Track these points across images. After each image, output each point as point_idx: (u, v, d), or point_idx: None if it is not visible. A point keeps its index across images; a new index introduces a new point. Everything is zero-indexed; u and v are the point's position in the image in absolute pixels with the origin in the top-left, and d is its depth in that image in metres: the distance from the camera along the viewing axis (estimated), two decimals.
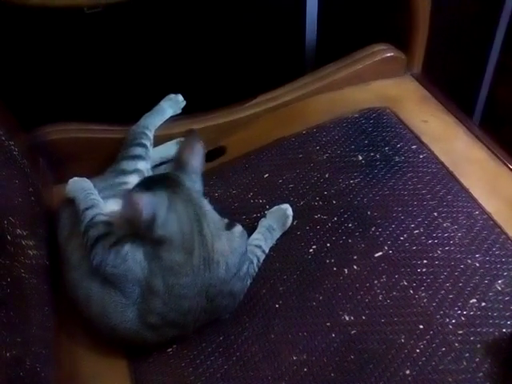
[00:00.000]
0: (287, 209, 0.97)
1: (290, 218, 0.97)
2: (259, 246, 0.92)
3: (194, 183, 0.85)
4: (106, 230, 0.85)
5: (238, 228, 0.87)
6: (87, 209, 0.89)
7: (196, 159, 0.86)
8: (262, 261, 0.92)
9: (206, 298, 0.81)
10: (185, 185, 0.83)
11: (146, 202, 0.77)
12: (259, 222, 0.96)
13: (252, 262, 0.89)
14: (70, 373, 0.83)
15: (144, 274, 0.80)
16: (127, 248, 0.81)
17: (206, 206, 0.84)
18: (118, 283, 0.81)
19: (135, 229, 0.80)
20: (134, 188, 0.85)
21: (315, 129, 1.12)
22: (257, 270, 0.90)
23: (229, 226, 0.86)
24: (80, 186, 0.94)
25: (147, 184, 0.84)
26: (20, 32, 1.09)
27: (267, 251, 0.93)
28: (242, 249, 0.86)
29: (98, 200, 0.92)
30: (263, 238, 0.93)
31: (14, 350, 0.71)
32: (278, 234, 0.96)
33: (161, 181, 0.84)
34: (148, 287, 0.80)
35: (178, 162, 0.86)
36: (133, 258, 0.80)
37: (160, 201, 0.79)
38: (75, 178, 0.96)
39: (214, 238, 0.82)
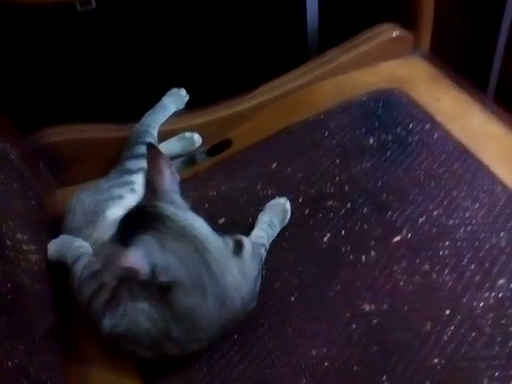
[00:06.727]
0: (286, 203, 0.92)
1: (289, 213, 0.92)
2: (263, 244, 0.86)
3: (177, 205, 0.74)
4: (97, 286, 0.77)
5: (247, 249, 0.79)
6: (74, 262, 0.83)
7: (165, 177, 0.75)
8: (264, 258, 0.85)
9: (223, 329, 0.76)
10: (168, 216, 0.72)
11: (138, 258, 0.67)
12: (259, 217, 0.90)
13: None
14: (78, 380, 0.80)
15: (152, 321, 0.73)
16: (125, 301, 0.74)
17: (203, 230, 0.74)
18: (126, 338, 0.75)
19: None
20: (112, 242, 0.72)
21: (322, 115, 1.08)
22: (261, 268, 0.84)
23: (237, 249, 0.78)
24: (60, 243, 0.88)
25: (126, 232, 0.72)
26: (16, 35, 1.07)
27: (268, 247, 0.88)
28: (256, 270, 0.79)
29: (82, 245, 0.85)
30: (266, 236, 0.88)
31: (16, 358, 0.67)
32: (278, 230, 0.90)
33: (140, 223, 0.72)
34: (161, 333, 0.73)
35: (149, 187, 0.75)
36: (134, 309, 0.73)
37: (151, 248, 0.70)
38: (52, 241, 0.89)
39: (224, 272, 0.73)
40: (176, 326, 0.73)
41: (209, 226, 0.75)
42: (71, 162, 1.11)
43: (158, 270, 0.69)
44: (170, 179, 0.76)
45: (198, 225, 0.74)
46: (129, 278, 0.70)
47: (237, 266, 0.76)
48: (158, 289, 0.71)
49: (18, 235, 0.83)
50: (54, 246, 0.89)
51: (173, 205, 0.74)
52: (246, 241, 0.81)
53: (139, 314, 0.73)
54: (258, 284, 0.81)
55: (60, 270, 0.86)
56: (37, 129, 1.09)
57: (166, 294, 0.71)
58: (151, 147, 0.78)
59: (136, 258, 0.67)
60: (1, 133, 0.91)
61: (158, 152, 0.77)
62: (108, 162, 1.07)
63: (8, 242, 0.79)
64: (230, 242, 0.79)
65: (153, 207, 0.73)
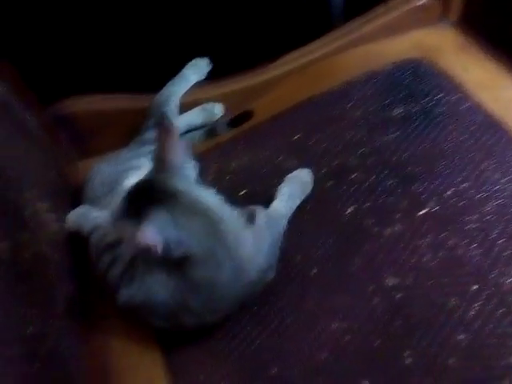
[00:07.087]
0: (306, 174, 0.90)
1: (310, 184, 0.89)
2: (283, 216, 0.84)
3: (188, 179, 0.74)
4: (112, 257, 0.77)
5: (261, 217, 0.78)
6: (91, 233, 0.82)
7: (177, 150, 0.73)
8: (284, 230, 0.83)
9: (240, 300, 0.75)
10: (180, 190, 0.71)
11: (152, 235, 0.66)
12: (279, 189, 0.87)
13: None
14: (99, 350, 0.80)
15: (168, 292, 0.72)
16: (140, 273, 0.73)
17: (215, 202, 0.73)
18: (142, 308, 0.74)
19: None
20: (124, 217, 0.71)
21: (347, 85, 1.05)
22: (281, 240, 0.82)
23: (249, 219, 0.76)
24: (78, 214, 0.88)
25: (137, 206, 0.70)
26: (37, 7, 1.05)
27: (288, 219, 0.85)
28: (269, 239, 0.77)
29: (99, 216, 0.84)
30: (286, 207, 0.85)
31: (34, 326, 0.67)
32: (298, 202, 0.87)
33: (152, 197, 0.70)
34: (178, 304, 0.72)
35: (159, 161, 0.74)
36: (150, 280, 0.72)
37: (164, 223, 0.68)
38: (71, 212, 0.89)
39: (238, 243, 0.72)
40: (192, 296, 0.72)
41: (220, 197, 0.74)
42: (93, 132, 1.10)
43: (170, 245, 0.68)
44: (181, 152, 0.74)
45: (210, 198, 0.73)
46: (144, 254, 0.68)
47: (250, 235, 0.75)
48: (172, 262, 0.70)
49: (39, 204, 0.83)
50: (72, 217, 0.88)
51: (184, 178, 0.73)
52: (259, 211, 0.79)
53: (155, 285, 0.72)
54: (275, 254, 0.79)
55: (81, 238, 0.85)
56: (57, 100, 1.08)
57: (180, 267, 0.70)
58: (164, 119, 0.76)
59: (150, 234, 0.66)
60: (21, 103, 0.90)
61: (171, 124, 0.75)
62: (129, 132, 1.06)
63: (27, 210, 0.79)
64: (243, 213, 0.77)
65: (163, 181, 0.72)
